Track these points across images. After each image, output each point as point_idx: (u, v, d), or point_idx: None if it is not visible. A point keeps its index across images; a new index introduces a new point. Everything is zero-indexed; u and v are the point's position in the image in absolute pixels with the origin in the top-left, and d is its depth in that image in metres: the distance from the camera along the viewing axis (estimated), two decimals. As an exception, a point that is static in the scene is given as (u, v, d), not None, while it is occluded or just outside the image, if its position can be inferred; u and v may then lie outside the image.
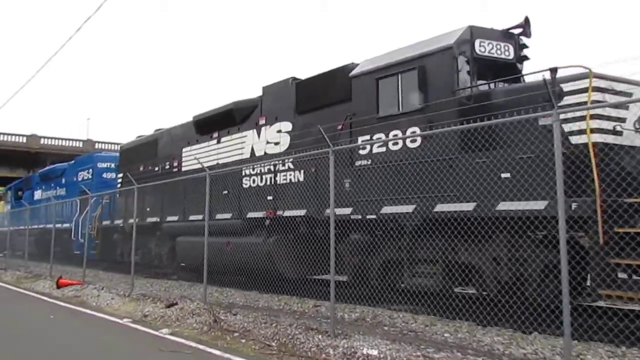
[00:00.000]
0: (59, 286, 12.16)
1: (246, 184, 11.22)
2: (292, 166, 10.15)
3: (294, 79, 10.58)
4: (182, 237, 12.28)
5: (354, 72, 8.71)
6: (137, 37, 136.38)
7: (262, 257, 9.86)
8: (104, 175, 18.98)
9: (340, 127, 9.18)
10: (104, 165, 19.10)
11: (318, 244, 9.00)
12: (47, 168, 23.99)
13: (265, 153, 10.86)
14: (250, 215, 10.39)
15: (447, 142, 6.97)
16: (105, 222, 16.41)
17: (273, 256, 9.75)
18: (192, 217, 12.11)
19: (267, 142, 10.87)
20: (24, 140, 43.46)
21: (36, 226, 21.05)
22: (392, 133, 7.76)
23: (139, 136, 16.79)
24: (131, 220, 14.69)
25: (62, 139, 45.26)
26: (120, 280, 13.43)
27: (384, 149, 7.93)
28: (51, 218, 20.25)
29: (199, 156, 12.84)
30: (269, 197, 10.54)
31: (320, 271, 9.85)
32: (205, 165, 12.56)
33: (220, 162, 12.20)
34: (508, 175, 6.22)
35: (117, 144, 43.45)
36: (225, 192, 11.74)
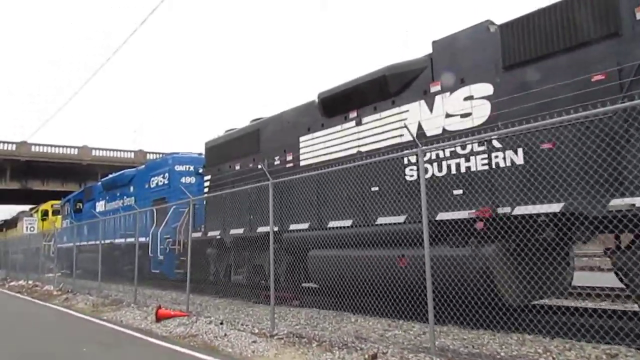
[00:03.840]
0: (158, 318, 9.32)
1: (412, 175, 8.15)
2: (498, 145, 7.02)
3: (491, 22, 7.47)
4: (318, 251, 9.25)
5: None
6: (182, 50, 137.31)
7: (470, 276, 6.74)
8: (183, 179, 16.26)
9: (600, 76, 6.02)
10: (182, 168, 16.42)
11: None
12: (112, 176, 21.61)
13: (444, 130, 7.77)
14: (444, 216, 7.25)
15: None
16: (195, 235, 13.57)
17: (493, 274, 6.59)
18: (334, 224, 9.08)
19: (448, 116, 7.78)
20: (76, 152, 41.99)
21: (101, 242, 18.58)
22: None
23: (229, 130, 13.98)
24: (234, 231, 11.88)
25: (113, 150, 43.68)
26: (230, 308, 10.51)
27: None
28: (126, 231, 17.79)
29: (329, 144, 9.91)
30: (457, 191, 7.42)
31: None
32: (341, 155, 9.66)
33: (363, 149, 9.20)
34: None
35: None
36: (376, 188, 8.73)
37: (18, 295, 17.48)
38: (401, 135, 8.50)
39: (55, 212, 29.98)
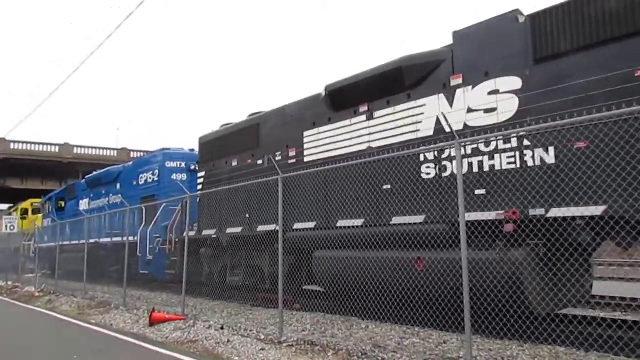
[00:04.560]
0: (152, 322, 8.69)
1: (429, 173, 7.68)
2: (526, 142, 6.60)
3: (520, 12, 7.05)
4: (325, 252, 8.73)
5: None
6: (166, 47, 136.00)
7: (494, 281, 6.28)
8: (174, 176, 15.57)
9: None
10: (173, 164, 15.72)
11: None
12: (96, 173, 20.74)
13: (465, 126, 7.32)
14: (472, 217, 6.77)
15: None
16: (190, 234, 12.88)
17: (520, 280, 6.15)
18: (343, 223, 8.56)
19: (470, 110, 7.33)
20: (57, 150, 40.70)
21: (82, 241, 17.76)
22: None
23: (225, 125, 13.38)
24: (231, 230, 11.29)
25: (95, 147, 42.47)
26: (228, 311, 9.91)
27: None
28: (112, 230, 17.04)
29: (337, 140, 9.41)
30: (479, 191, 6.98)
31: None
32: (350, 151, 9.16)
33: (374, 145, 8.72)
34: None
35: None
36: (388, 186, 8.25)
37: (-4, 296, 16.60)
38: (417, 131, 8.05)
39: (36, 211, 28.89)
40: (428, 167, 7.75)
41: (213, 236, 11.84)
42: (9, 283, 19.63)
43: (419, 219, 7.36)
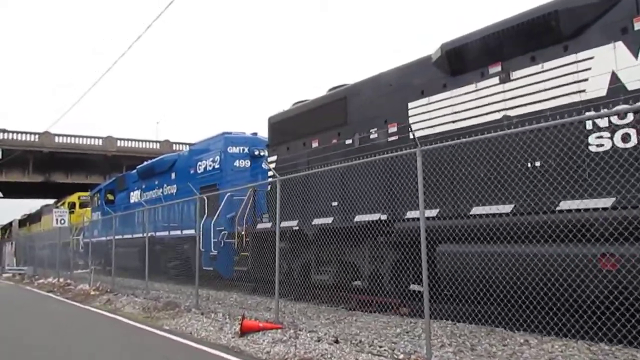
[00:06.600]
0: (243, 331, 7.23)
1: (602, 144, 5.91)
2: None
3: None
4: (455, 246, 7.07)
5: None
6: (205, 41, 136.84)
7: None
8: (236, 163, 14.19)
9: None
10: (236, 150, 14.31)
11: None
12: (148, 162, 19.61)
13: (661, 80, 5.52)
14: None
15: None
16: (262, 226, 11.42)
17: None
18: (481, 210, 6.84)
19: (668, 59, 5.52)
20: (100, 143, 40.26)
21: (137, 235, 16.65)
22: None
23: (298, 102, 11.84)
24: (318, 221, 9.73)
25: (138, 140, 41.88)
26: (324, 316, 8.37)
27: None
28: (169, 223, 15.81)
29: (456, 110, 7.72)
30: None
31: None
32: (476, 122, 7.47)
33: (512, 113, 6.99)
34: None
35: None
36: (538, 163, 6.51)
37: (51, 295, 15.61)
38: (580, 92, 6.28)
39: (83, 205, 28.21)
40: (600, 138, 5.99)
41: (295, 228, 10.30)
42: (61, 280, 18.74)
43: (606, 202, 5.60)
